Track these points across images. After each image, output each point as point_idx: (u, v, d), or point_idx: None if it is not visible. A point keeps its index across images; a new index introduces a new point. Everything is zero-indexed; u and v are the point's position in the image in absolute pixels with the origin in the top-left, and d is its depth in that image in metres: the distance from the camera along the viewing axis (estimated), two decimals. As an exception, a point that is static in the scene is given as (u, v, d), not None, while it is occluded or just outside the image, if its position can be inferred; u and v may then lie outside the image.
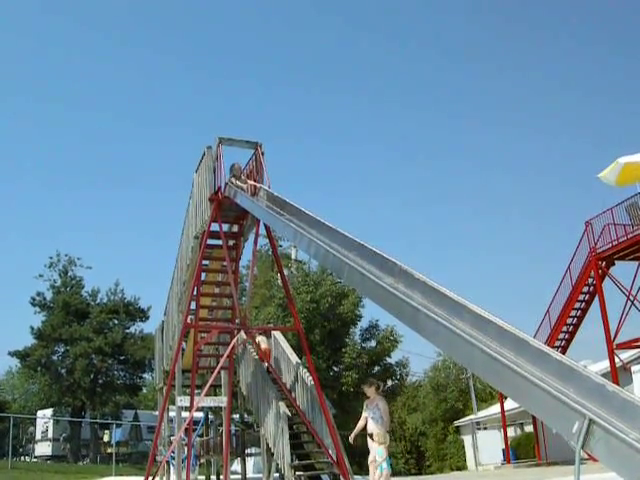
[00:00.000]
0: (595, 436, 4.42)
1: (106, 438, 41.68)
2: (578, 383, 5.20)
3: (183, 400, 16.68)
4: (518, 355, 5.62)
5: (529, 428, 32.84)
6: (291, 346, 18.43)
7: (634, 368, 21.92)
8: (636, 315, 24.47)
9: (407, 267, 7.52)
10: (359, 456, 37.12)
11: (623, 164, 23.98)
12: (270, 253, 34.76)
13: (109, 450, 38.92)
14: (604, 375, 6.52)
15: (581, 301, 26.05)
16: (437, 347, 6.55)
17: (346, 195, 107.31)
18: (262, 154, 14.94)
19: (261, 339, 18.16)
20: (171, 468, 19.94)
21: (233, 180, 14.54)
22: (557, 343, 25.82)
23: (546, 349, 5.69)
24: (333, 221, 9.53)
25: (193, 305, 16.72)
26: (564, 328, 26.22)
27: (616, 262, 25.31)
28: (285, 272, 19.26)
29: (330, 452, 14.83)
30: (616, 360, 23.98)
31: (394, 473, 39.13)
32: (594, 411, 4.68)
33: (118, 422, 40.82)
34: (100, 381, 42.26)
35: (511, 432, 34.16)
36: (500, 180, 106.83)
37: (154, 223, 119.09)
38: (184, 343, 18.56)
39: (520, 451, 33.03)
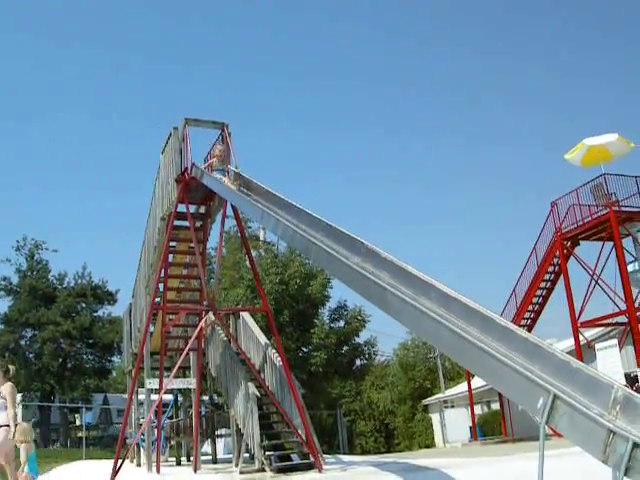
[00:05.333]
0: (559, 411, 4.53)
1: (78, 422, 41.52)
2: (543, 360, 5.31)
3: (152, 382, 16.68)
4: (484, 333, 5.71)
5: (496, 406, 33.21)
6: (260, 327, 18.46)
7: (598, 346, 22.22)
8: (600, 294, 24.85)
9: (374, 247, 7.58)
10: (328, 435, 37.45)
11: (588, 146, 24.29)
12: (239, 235, 34.76)
13: (79, 434, 38.79)
14: (569, 353, 6.63)
15: (547, 280, 26.34)
16: (404, 325, 6.62)
17: (305, 178, 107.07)
18: (229, 135, 14.86)
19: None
20: (141, 450, 19.96)
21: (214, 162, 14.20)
22: (523, 322, 26.10)
23: (512, 327, 5.80)
24: (302, 202, 9.57)
25: (161, 287, 16.68)
26: (530, 307, 26.51)
27: (581, 242, 25.63)
28: (253, 253, 19.28)
29: (299, 432, 14.93)
30: (580, 338, 24.34)
31: (363, 451, 39.50)
32: (558, 387, 4.79)
33: (88, 406, 40.63)
34: (69, 365, 42.02)
35: (478, 410, 34.55)
36: (483, 153, 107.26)
37: (121, 206, 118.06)
38: (152, 325, 18.52)
39: (487, 428, 33.46)
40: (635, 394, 4.99)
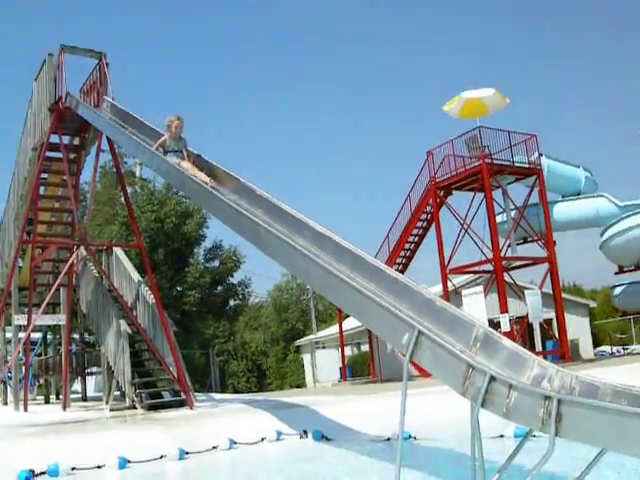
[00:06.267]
0: (423, 346, 4.70)
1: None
2: (410, 298, 5.49)
3: (20, 319, 16.20)
4: (354, 271, 5.84)
5: (365, 347, 34.16)
6: (134, 265, 18.20)
7: (464, 292, 23.14)
8: (469, 243, 25.78)
9: (250, 184, 7.59)
10: (201, 375, 37.59)
11: (466, 99, 24.95)
12: (114, 170, 33.92)
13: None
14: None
15: (419, 228, 27.05)
16: (277, 262, 6.66)
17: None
18: (107, 65, 14.34)
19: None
20: (8, 389, 19.47)
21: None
22: (395, 267, 26.78)
23: (381, 266, 5.95)
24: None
25: (31, 220, 16.15)
26: (402, 253, 27.17)
27: (453, 192, 26.43)
28: (129, 190, 18.86)
29: (171, 369, 14.92)
30: (449, 284, 25.25)
31: (235, 391, 39.88)
32: (423, 324, 4.96)
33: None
34: None
35: (348, 351, 35.46)
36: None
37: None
38: (21, 260, 17.94)
39: (356, 369, 34.49)
40: (494, 332, 5.25)
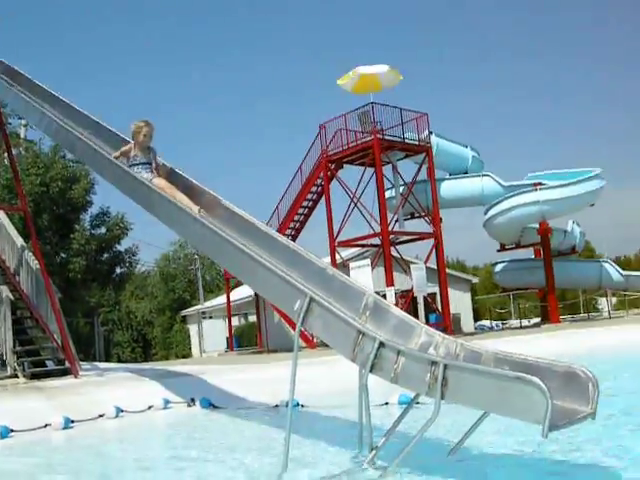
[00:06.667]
0: (314, 313, 4.76)
1: None
2: (301, 266, 5.56)
3: None
4: (246, 238, 5.85)
5: (253, 318, 34.26)
6: (17, 229, 17.56)
7: (352, 265, 23.53)
8: (358, 217, 26.14)
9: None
10: (85, 345, 36.85)
11: (360, 74, 25.17)
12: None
13: None
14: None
15: (309, 200, 27.19)
16: (169, 228, 6.60)
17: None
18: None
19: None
20: None
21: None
22: (284, 238, 26.85)
23: (273, 234, 6.00)
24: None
25: None
26: (291, 225, 27.24)
27: (345, 165, 26.68)
28: (13, 152, 18.12)
29: (55, 337, 14.54)
30: (337, 257, 25.56)
31: (120, 361, 39.29)
32: (314, 291, 5.02)
33: None
34: None
35: (235, 322, 35.50)
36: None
37: None
38: None
39: (243, 339, 34.58)
40: (383, 300, 5.38)
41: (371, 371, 4.39)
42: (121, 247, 34.41)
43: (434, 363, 4.04)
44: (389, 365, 4.29)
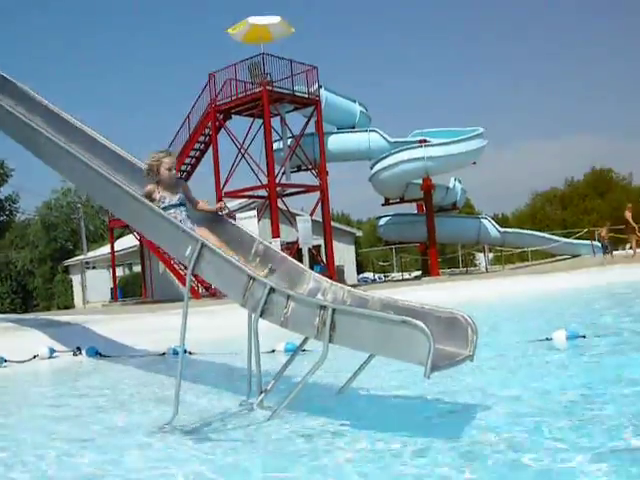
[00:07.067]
0: (205, 259, 4.80)
1: None
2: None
3: None
4: (133, 183, 5.79)
5: (137, 268, 33.83)
6: None
7: (238, 216, 23.43)
8: (245, 168, 26.01)
9: (27, 89, 7.27)
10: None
11: (251, 24, 24.86)
12: None
13: None
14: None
15: (196, 150, 26.85)
16: (55, 169, 6.45)
17: None
18: None
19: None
20: None
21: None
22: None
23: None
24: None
25: None
26: (178, 175, 26.82)
27: (233, 116, 26.41)
28: None
29: None
30: (224, 207, 25.38)
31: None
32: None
33: None
34: None
35: (120, 272, 34.96)
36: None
37: None
38: None
39: (128, 289, 34.12)
40: (273, 247, 5.50)
41: (261, 316, 4.49)
42: (1, 194, 33.20)
43: (323, 307, 4.16)
44: (279, 310, 4.39)
